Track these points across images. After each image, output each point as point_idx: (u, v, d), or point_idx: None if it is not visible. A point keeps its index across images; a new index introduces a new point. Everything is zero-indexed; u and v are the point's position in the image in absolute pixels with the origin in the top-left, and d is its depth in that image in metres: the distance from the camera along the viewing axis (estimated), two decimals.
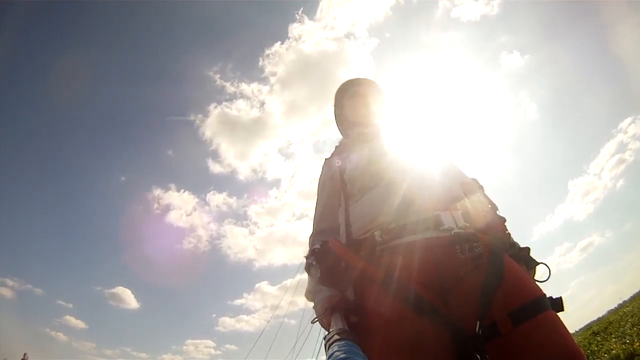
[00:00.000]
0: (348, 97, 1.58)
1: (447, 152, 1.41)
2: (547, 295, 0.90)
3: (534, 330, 0.81)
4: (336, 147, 1.55)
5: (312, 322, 1.08)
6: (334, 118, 1.68)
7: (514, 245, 1.10)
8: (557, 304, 0.89)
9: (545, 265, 1.04)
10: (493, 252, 0.96)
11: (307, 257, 1.25)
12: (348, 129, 1.59)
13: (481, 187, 1.28)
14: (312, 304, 1.14)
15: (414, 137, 1.49)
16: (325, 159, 1.50)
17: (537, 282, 1.00)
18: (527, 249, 1.10)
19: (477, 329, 0.85)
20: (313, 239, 1.35)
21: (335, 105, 1.65)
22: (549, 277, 1.02)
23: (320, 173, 1.49)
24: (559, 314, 0.88)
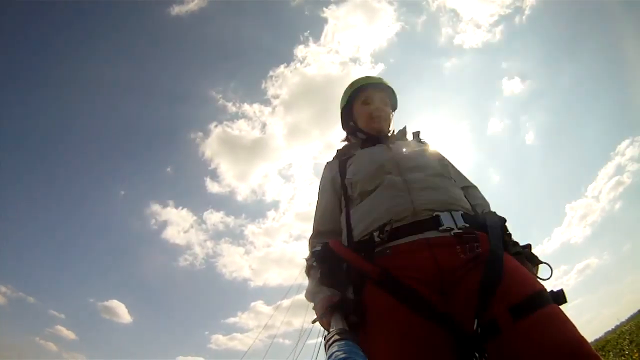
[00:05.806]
0: (360, 103, 1.52)
1: (447, 155, 1.42)
2: (548, 290, 0.90)
3: (536, 324, 0.80)
4: (337, 150, 1.55)
5: (313, 322, 1.08)
6: (340, 115, 1.62)
7: (516, 244, 1.10)
8: (559, 297, 0.89)
9: (548, 264, 1.04)
10: (493, 252, 0.96)
11: (307, 259, 1.25)
12: (351, 134, 1.57)
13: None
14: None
15: (414, 141, 1.50)
16: (327, 162, 1.50)
17: (539, 279, 0.99)
18: (529, 246, 1.10)
19: (475, 327, 0.84)
20: (313, 241, 1.34)
21: (344, 104, 1.58)
22: (551, 275, 1.02)
23: (321, 176, 1.49)
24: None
